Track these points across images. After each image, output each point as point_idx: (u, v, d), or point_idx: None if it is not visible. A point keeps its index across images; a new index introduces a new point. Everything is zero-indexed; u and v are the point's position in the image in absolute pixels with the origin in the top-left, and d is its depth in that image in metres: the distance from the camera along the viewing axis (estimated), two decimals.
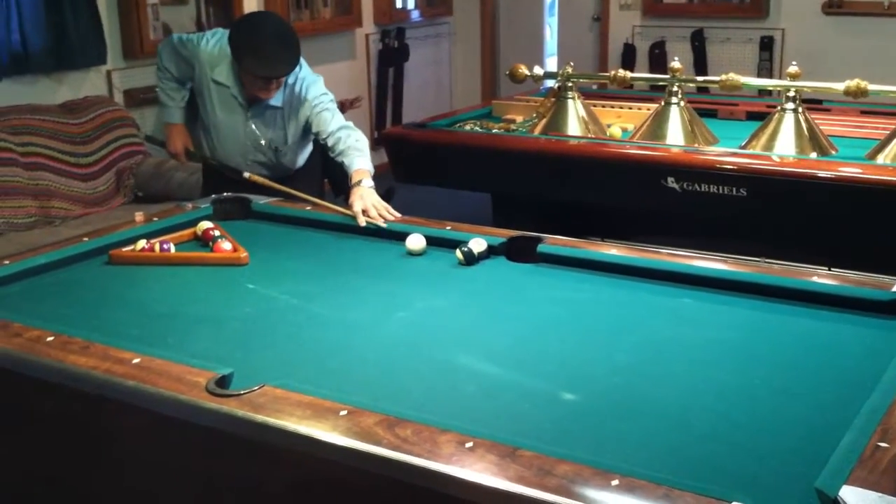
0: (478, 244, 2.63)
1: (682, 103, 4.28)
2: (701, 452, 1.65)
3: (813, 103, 4.59)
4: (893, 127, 3.90)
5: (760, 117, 4.33)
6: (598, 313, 2.32)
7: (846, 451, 1.53)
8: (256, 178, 3.39)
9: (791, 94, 4.04)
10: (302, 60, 3.51)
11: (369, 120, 7.05)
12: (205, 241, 2.79)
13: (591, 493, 1.45)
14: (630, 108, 4.82)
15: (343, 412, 1.69)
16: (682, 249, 2.98)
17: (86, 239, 2.78)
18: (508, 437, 1.62)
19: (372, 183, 3.13)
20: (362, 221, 2.91)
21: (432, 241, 2.74)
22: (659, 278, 2.47)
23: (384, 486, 1.60)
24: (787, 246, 3.87)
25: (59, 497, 2.14)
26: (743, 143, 4.10)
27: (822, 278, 2.35)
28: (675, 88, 4.28)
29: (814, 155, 3.92)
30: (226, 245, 2.71)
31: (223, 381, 1.83)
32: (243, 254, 2.67)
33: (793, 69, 4.06)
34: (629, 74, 4.54)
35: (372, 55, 7.11)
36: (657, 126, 4.26)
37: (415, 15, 7.53)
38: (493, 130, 4.56)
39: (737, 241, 3.93)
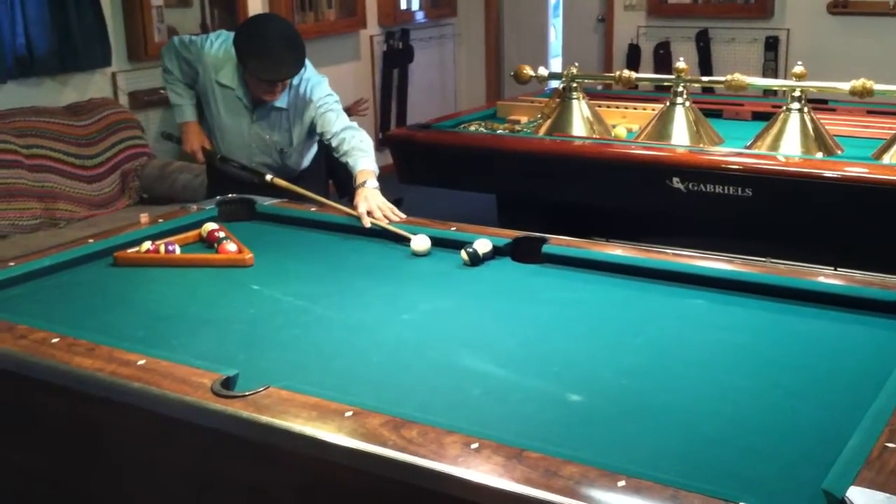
0: (483, 245, 2.63)
1: (688, 103, 4.27)
2: (709, 453, 1.64)
3: (818, 103, 4.58)
4: None
5: (766, 117, 4.33)
6: (604, 314, 2.31)
7: (853, 451, 1.52)
8: (280, 181, 3.36)
9: (796, 94, 4.03)
10: (307, 61, 3.51)
11: (374, 121, 7.05)
12: (210, 242, 2.79)
13: (598, 494, 1.44)
14: (635, 109, 4.81)
15: (348, 413, 1.68)
16: (688, 250, 2.98)
17: (91, 241, 2.78)
18: (515, 438, 1.61)
19: (377, 183, 3.12)
20: (367, 223, 2.90)
21: (437, 242, 2.74)
22: (664, 279, 2.46)
23: (390, 488, 1.59)
24: (792, 246, 3.86)
25: (62, 499, 2.14)
26: (748, 144, 4.10)
27: (828, 278, 2.34)
28: (680, 89, 4.28)
29: (819, 155, 3.91)
30: (231, 246, 2.71)
31: (228, 383, 1.83)
32: (248, 255, 2.67)
33: (798, 69, 4.06)
34: (634, 75, 4.54)
35: (376, 57, 7.11)
36: (662, 126, 4.25)
37: (419, 16, 7.53)
38: (498, 131, 4.56)
39: (742, 242, 3.92)
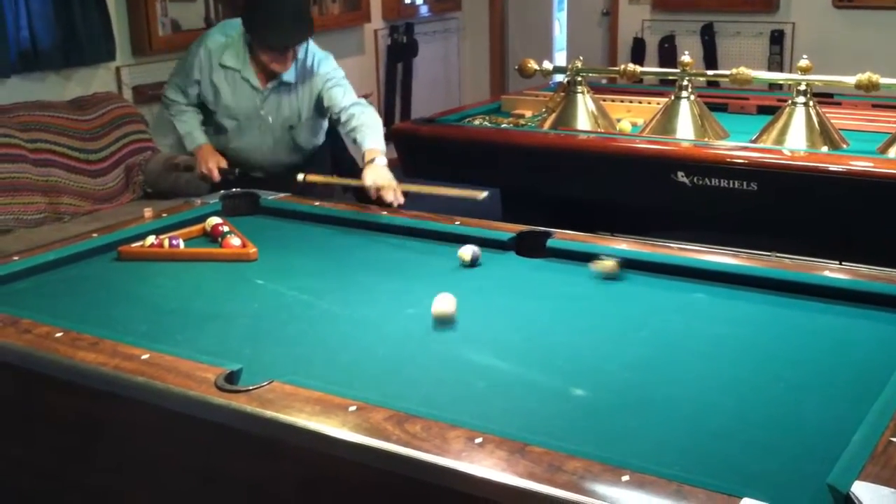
0: (469, 251, 2.57)
1: (693, 97, 4.26)
2: (712, 448, 1.64)
3: (824, 97, 4.56)
4: None
5: (771, 111, 4.31)
6: (608, 309, 2.31)
7: (858, 446, 1.52)
8: (312, 177, 3.36)
9: (802, 87, 4.02)
10: (310, 40, 3.53)
11: (378, 115, 7.04)
12: (214, 236, 2.79)
13: (602, 488, 1.44)
14: (640, 103, 4.80)
15: (352, 408, 1.68)
16: (693, 244, 2.97)
17: (95, 235, 2.78)
18: (518, 432, 1.61)
19: (385, 161, 3.15)
20: (375, 194, 2.95)
21: (441, 237, 2.74)
22: (669, 273, 2.46)
23: (393, 482, 1.59)
24: (798, 240, 3.85)
25: (66, 493, 2.14)
26: (753, 138, 4.08)
27: (833, 273, 2.33)
28: (685, 82, 4.26)
29: (825, 149, 3.89)
30: (235, 241, 2.71)
31: (232, 377, 1.83)
32: (252, 249, 2.67)
33: (803, 63, 4.04)
34: (639, 69, 4.52)
35: (381, 51, 7.10)
36: (667, 120, 4.24)
37: (423, 10, 7.52)
38: (503, 125, 4.55)
39: (747, 236, 3.90)
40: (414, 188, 3.20)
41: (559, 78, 4.87)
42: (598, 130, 4.36)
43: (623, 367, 1.98)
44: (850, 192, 3.59)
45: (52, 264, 2.58)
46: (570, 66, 4.55)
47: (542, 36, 8.22)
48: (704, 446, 1.64)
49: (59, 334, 2.04)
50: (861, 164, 3.64)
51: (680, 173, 3.83)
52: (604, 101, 4.69)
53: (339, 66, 3.60)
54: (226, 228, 2.78)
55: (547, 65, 4.66)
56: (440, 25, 7.75)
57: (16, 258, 2.58)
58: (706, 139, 4.10)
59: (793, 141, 3.93)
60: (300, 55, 3.52)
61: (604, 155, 4.06)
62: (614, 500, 1.41)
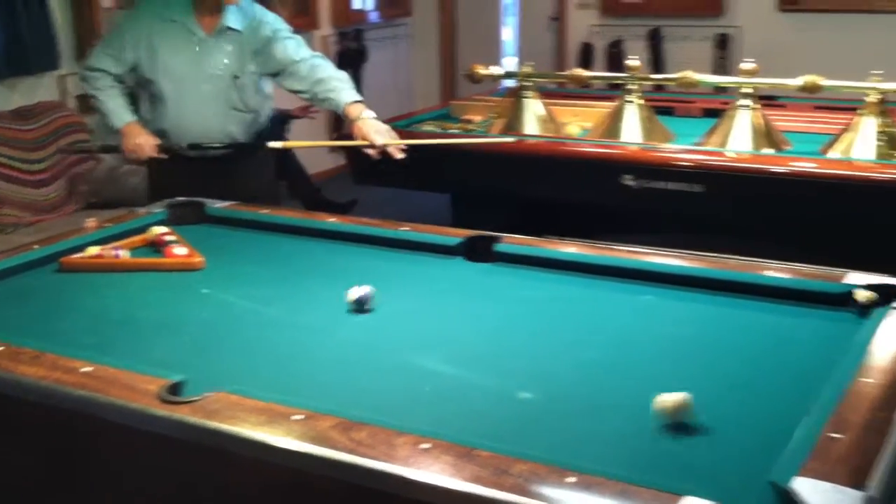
0: (359, 293, 2.31)
1: (640, 101, 4.30)
2: (658, 447, 1.65)
3: (768, 100, 4.64)
4: (847, 122, 3.95)
5: (717, 114, 4.37)
6: (557, 311, 2.32)
7: (799, 442, 1.54)
8: (291, 143, 3.32)
9: (746, 90, 4.07)
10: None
11: (328, 121, 7.02)
12: (158, 246, 2.75)
13: (548, 490, 1.44)
14: (588, 107, 4.84)
15: (298, 416, 1.67)
16: (641, 246, 2.99)
17: (36, 246, 2.73)
18: (466, 437, 1.61)
19: (374, 113, 3.11)
20: (378, 153, 3.06)
21: (390, 243, 2.74)
22: (617, 275, 2.47)
23: (340, 490, 1.58)
24: (743, 241, 3.90)
25: None
26: (699, 140, 4.13)
27: (776, 272, 2.37)
28: (632, 86, 4.30)
29: (769, 151, 3.95)
30: (180, 250, 2.68)
31: (176, 388, 1.81)
32: (198, 258, 2.64)
33: (748, 66, 4.10)
34: (587, 73, 4.56)
35: (330, 57, 7.06)
36: (614, 124, 4.28)
37: (373, 16, 7.52)
38: (452, 131, 4.56)
39: (694, 237, 3.95)
40: (414, 142, 3.17)
41: (508, 83, 4.90)
42: (547, 135, 4.38)
43: (572, 368, 1.99)
44: (793, 193, 3.65)
45: None
46: (519, 72, 4.58)
47: (491, 41, 8.26)
48: (651, 446, 1.66)
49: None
50: (804, 165, 3.70)
51: (627, 176, 3.86)
52: (552, 105, 4.71)
53: None
54: (171, 237, 2.75)
55: (496, 70, 4.69)
56: (390, 31, 7.75)
57: None
58: (653, 142, 4.15)
59: (737, 143, 3.99)
60: (243, 3, 3.48)
61: (552, 159, 4.09)
62: (560, 502, 1.42)
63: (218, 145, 3.53)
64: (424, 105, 7.05)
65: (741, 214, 3.83)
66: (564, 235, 3.83)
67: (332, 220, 2.95)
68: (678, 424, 1.70)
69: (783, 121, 4.41)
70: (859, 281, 2.23)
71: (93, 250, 2.65)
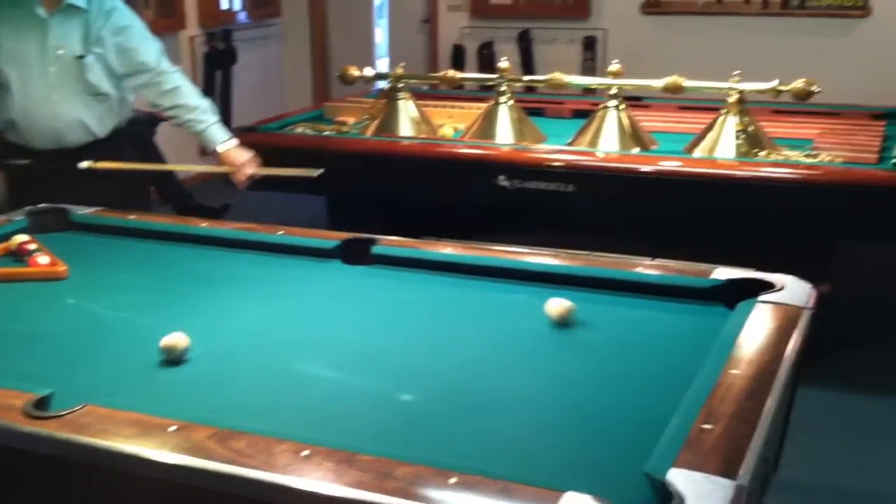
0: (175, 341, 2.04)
1: (511, 102, 4.36)
2: (538, 444, 1.67)
3: (635, 100, 4.77)
4: (709, 121, 4.10)
5: (585, 115, 4.47)
6: (435, 312, 2.32)
7: (673, 434, 1.58)
8: (104, 164, 3.25)
9: (613, 91, 4.18)
10: None
11: None
12: (20, 255, 2.63)
13: (431, 492, 1.44)
14: (461, 108, 4.87)
15: (172, 428, 1.62)
16: (516, 246, 3.03)
17: None
18: (348, 441, 1.59)
19: (237, 140, 3.44)
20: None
21: (265, 247, 2.69)
22: (493, 275, 2.50)
23: (220, 502, 1.54)
24: (614, 238, 4.00)
25: None
26: (569, 141, 4.22)
27: (646, 269, 2.43)
28: (503, 88, 4.36)
29: (636, 150, 4.07)
30: (43, 259, 2.57)
31: (42, 403, 1.73)
32: (62, 267, 2.54)
33: (614, 67, 4.21)
34: (459, 75, 4.60)
35: (198, 58, 6.93)
36: (487, 125, 4.32)
37: (242, 16, 7.40)
38: (325, 133, 4.52)
39: (567, 236, 4.02)
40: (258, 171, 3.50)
41: (381, 84, 4.89)
42: (421, 136, 4.39)
43: (452, 369, 1.99)
44: (660, 191, 3.77)
45: None
46: (391, 73, 4.57)
47: (363, 42, 8.24)
48: (531, 443, 1.68)
49: None
50: (669, 164, 3.82)
51: (501, 177, 3.91)
52: (426, 107, 4.73)
53: None
54: (33, 246, 2.64)
55: (369, 71, 4.67)
56: (260, 32, 7.64)
57: None
58: (525, 143, 4.21)
59: (606, 143, 4.09)
60: None
61: (427, 161, 4.10)
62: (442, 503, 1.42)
63: (22, 162, 3.43)
64: (296, 106, 6.99)
65: (612, 213, 3.93)
66: (442, 237, 3.85)
67: (204, 225, 2.89)
68: (556, 421, 1.73)
69: (650, 121, 4.54)
70: (726, 276, 2.31)
71: None
